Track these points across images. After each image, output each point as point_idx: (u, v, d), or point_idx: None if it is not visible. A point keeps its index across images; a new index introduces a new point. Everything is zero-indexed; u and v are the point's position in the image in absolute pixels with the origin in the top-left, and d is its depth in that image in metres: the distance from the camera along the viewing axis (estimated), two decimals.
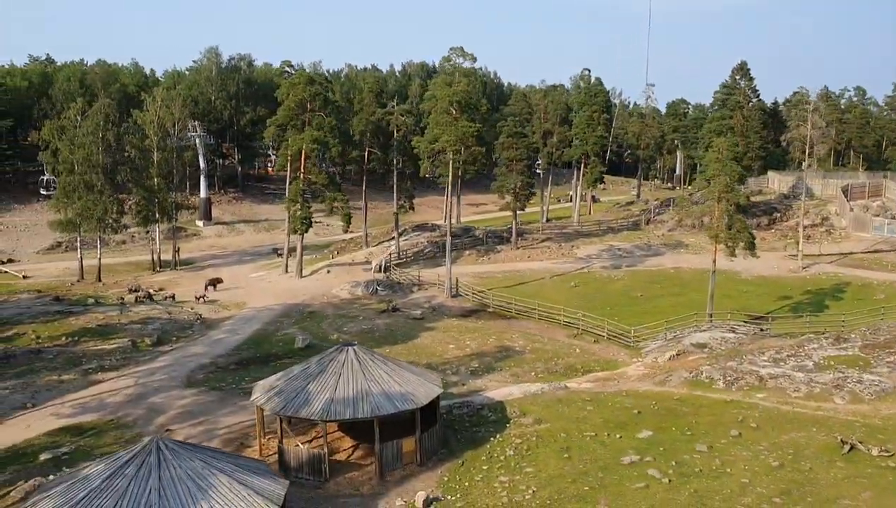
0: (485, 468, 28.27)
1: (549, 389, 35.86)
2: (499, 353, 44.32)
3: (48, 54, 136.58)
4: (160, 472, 21.27)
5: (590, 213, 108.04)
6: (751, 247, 47.20)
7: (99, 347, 45.16)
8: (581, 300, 58.23)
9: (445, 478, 27.77)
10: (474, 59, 59.58)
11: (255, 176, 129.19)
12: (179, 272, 75.31)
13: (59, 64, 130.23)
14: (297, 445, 29.43)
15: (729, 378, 36.11)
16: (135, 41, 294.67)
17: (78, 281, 70.95)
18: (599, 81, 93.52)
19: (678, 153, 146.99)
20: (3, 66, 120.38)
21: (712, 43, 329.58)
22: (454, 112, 56.48)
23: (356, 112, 71.82)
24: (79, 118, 73.86)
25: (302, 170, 63.77)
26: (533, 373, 40.87)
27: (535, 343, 46.82)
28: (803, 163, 74.18)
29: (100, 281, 70.63)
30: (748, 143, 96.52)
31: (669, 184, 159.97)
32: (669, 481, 26.13)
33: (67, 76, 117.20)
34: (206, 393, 37.94)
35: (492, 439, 30.75)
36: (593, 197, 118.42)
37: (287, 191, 67.15)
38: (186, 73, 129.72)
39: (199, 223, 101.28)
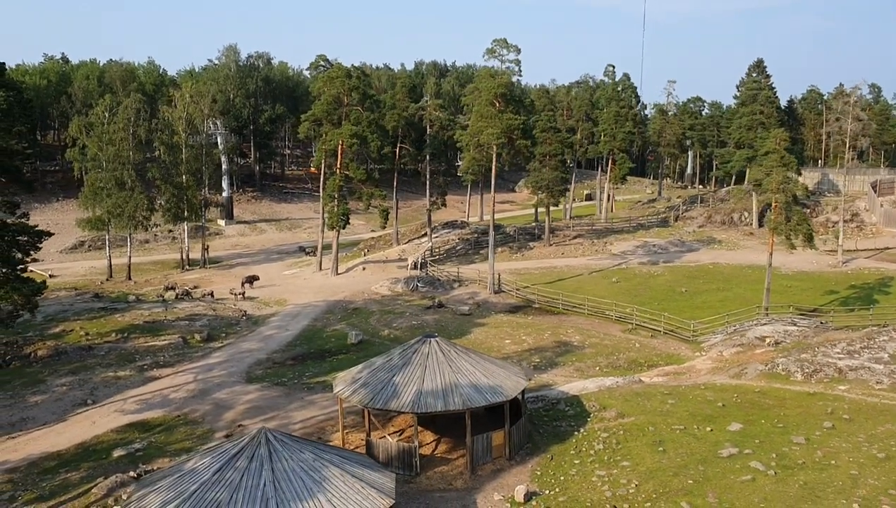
0: (576, 462, 27.51)
1: (625, 383, 35.12)
2: (557, 348, 43.57)
3: (63, 53, 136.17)
4: (272, 464, 20.57)
5: (612, 211, 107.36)
6: (810, 239, 46.48)
7: (150, 344, 44.39)
8: (626, 295, 57.50)
9: (538, 472, 27.02)
10: (518, 51, 58.94)
11: (272, 175, 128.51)
12: (209, 270, 74.56)
13: (75, 63, 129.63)
14: (385, 437, 28.65)
15: (807, 370, 35.35)
16: (144, 40, 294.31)
17: (107, 279, 70.23)
18: (627, 77, 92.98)
19: (689, 152, 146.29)
20: (20, 64, 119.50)
21: (711, 45, 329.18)
22: (498, 105, 55.74)
23: (389, 107, 70.96)
24: (107, 114, 73.19)
25: (339, 166, 62.99)
26: (597, 368, 40.13)
27: (591, 338, 46.06)
28: (845, 158, 73.13)
29: (130, 279, 69.92)
30: None
31: (681, 183, 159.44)
32: (775, 473, 25.36)
33: (86, 74, 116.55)
34: (269, 388, 37.21)
35: (575, 433, 30.01)
36: (608, 195, 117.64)
37: (321, 187, 66.42)
38: (200, 71, 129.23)
39: (221, 222, 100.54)
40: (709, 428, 29.47)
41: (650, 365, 41.19)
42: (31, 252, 37.05)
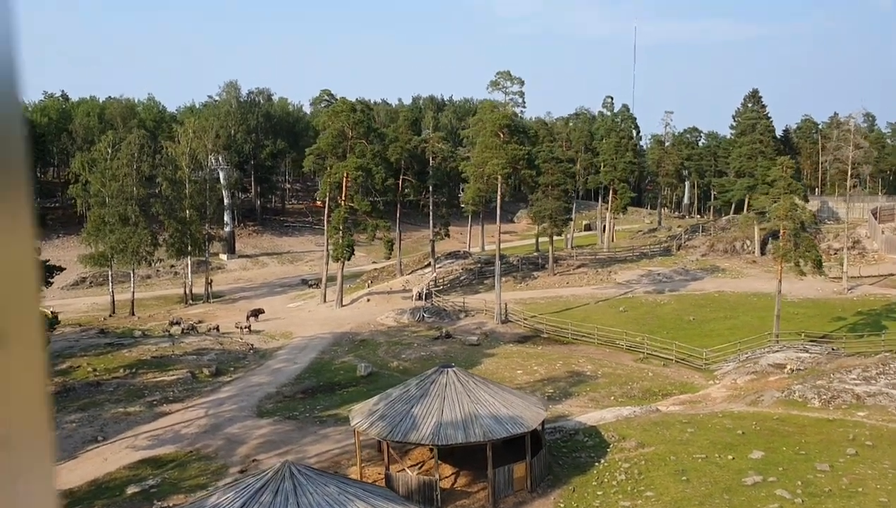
0: (599, 493, 27.15)
1: (642, 412, 34.80)
2: (570, 378, 43.26)
3: (63, 91, 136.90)
4: (297, 498, 20.21)
5: (612, 240, 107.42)
6: (819, 265, 46.49)
7: (158, 379, 43.98)
8: (634, 324, 57.28)
9: (561, 504, 26.66)
10: (522, 83, 59.46)
11: (273, 209, 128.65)
12: (213, 305, 74.18)
13: (75, 100, 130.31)
14: (404, 471, 28.25)
15: (824, 396, 35.11)
16: (142, 76, 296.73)
17: (110, 315, 69.83)
18: (626, 108, 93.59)
19: (686, 182, 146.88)
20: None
21: (699, 76, 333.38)
22: (502, 135, 56.06)
23: (392, 140, 71.36)
24: (109, 150, 73.35)
25: (343, 198, 63.12)
26: (611, 398, 39.82)
27: (603, 367, 45.78)
28: (847, 185, 73.47)
29: (133, 314, 69.54)
30: None
31: (678, 213, 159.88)
32: (802, 501, 25.06)
33: (87, 111, 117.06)
34: (281, 422, 36.80)
35: (596, 464, 29.64)
36: (604, 226, 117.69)
37: (326, 219, 66.49)
38: (201, 107, 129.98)
39: (223, 256, 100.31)
40: (731, 456, 29.16)
41: (665, 393, 40.89)
42: (43, 287, 36.83)
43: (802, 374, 39.42)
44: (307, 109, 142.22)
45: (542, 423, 29.34)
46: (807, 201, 61.70)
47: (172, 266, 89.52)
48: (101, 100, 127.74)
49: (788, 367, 40.22)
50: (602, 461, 29.76)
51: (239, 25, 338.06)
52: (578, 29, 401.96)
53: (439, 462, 29.14)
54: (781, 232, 46.95)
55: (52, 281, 37.00)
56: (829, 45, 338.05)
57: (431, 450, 29.41)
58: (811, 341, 48.46)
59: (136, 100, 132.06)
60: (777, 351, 44.71)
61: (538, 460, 28.38)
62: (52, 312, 69.61)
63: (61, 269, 38.10)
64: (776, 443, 30.33)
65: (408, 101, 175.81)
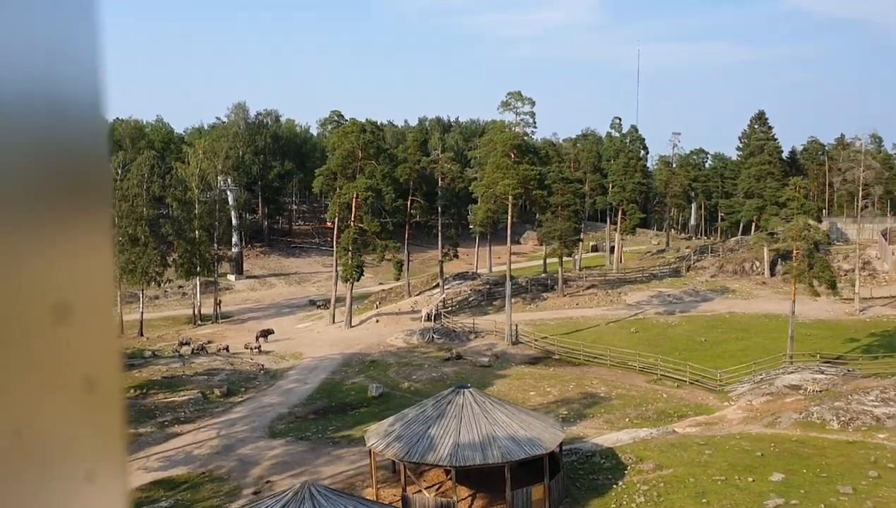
0: None
1: (659, 434, 34.47)
2: (584, 400, 42.91)
3: None
4: None
5: (620, 261, 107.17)
6: (833, 285, 46.23)
7: (169, 399, 43.77)
8: (646, 346, 56.91)
9: None
10: (533, 103, 59.59)
11: (280, 230, 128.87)
12: (222, 325, 74.01)
13: None
14: (421, 492, 27.94)
15: (843, 418, 34.73)
16: (149, 97, 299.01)
17: (119, 335, 69.57)
18: (635, 129, 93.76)
19: (693, 204, 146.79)
20: None
21: (701, 98, 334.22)
22: (514, 156, 56.12)
23: (401, 161, 71.53)
24: (119, 171, 73.66)
25: (353, 219, 63.14)
26: (626, 419, 39.43)
27: (617, 389, 45.43)
28: (857, 206, 73.28)
29: (142, 335, 69.41)
30: None
31: (685, 234, 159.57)
32: None
33: None
34: (294, 444, 36.49)
35: (614, 486, 29.31)
36: (611, 247, 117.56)
37: (335, 240, 66.52)
38: (209, 129, 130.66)
39: (231, 277, 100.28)
40: (751, 479, 28.80)
41: (680, 415, 40.49)
42: None
43: (819, 395, 39.05)
44: (314, 131, 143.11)
45: (560, 445, 29.04)
46: (820, 221, 61.51)
47: (180, 286, 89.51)
48: (109, 121, 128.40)
49: (811, 388, 39.85)
50: (620, 483, 29.43)
51: (246, 48, 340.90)
52: (579, 52, 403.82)
53: (445, 484, 28.89)
54: (795, 252, 46.74)
55: None
56: (830, 67, 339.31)
57: (447, 472, 29.13)
58: (826, 362, 48.04)
59: (143, 121, 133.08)
60: (792, 372, 44.34)
61: (556, 482, 28.07)
62: None
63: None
64: (796, 465, 29.96)
65: (413, 123, 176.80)
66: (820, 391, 40.03)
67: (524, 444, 26.81)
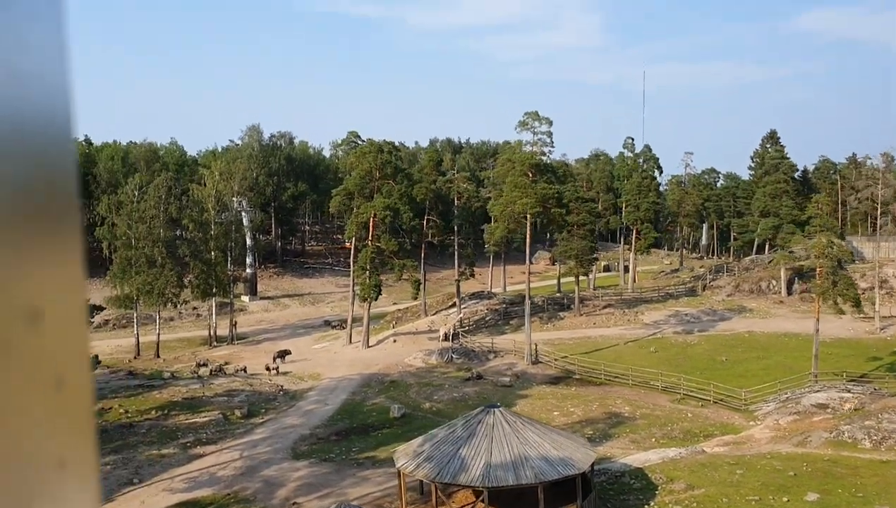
0: None
1: (688, 453, 34.08)
2: (608, 420, 42.53)
3: (86, 136, 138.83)
4: None
5: (635, 281, 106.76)
6: (857, 303, 45.85)
7: (191, 420, 43.58)
8: (667, 365, 56.52)
9: None
10: (550, 123, 59.71)
11: (293, 251, 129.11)
12: (238, 346, 73.90)
13: (98, 144, 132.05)
14: None
15: (874, 437, 34.29)
16: (162, 119, 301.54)
17: (135, 357, 69.57)
18: (648, 148, 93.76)
19: (705, 223, 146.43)
20: None
21: (706, 118, 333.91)
22: (532, 175, 56.14)
23: (417, 181, 71.67)
24: (136, 193, 74.00)
25: (371, 238, 63.19)
26: (652, 439, 39.02)
27: (640, 409, 45.01)
28: (877, 224, 72.93)
29: (158, 356, 69.30)
30: None
31: (697, 254, 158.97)
32: None
33: (110, 155, 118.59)
34: (318, 465, 36.21)
35: (645, 506, 28.95)
36: (625, 266, 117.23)
37: (352, 259, 66.58)
38: (222, 151, 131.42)
39: (245, 298, 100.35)
40: (785, 499, 28.40)
41: (706, 435, 40.05)
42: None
43: (849, 414, 38.58)
44: (327, 152, 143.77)
45: (592, 465, 28.73)
46: (843, 239, 61.20)
47: (195, 308, 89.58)
48: (123, 144, 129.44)
49: (847, 406, 39.36)
50: (651, 503, 29.10)
51: (256, 71, 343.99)
52: (582, 73, 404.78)
53: (472, 505, 28.57)
54: (818, 270, 46.42)
55: (93, 320, 36.79)
56: (839, 86, 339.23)
57: (477, 493, 28.82)
58: (851, 381, 47.56)
59: (158, 144, 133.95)
60: (818, 390, 43.88)
61: (588, 503, 27.73)
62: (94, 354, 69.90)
63: (101, 309, 38.00)
64: (831, 485, 29.53)
65: (423, 145, 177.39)
66: (853, 409, 39.53)
67: (557, 464, 26.52)
